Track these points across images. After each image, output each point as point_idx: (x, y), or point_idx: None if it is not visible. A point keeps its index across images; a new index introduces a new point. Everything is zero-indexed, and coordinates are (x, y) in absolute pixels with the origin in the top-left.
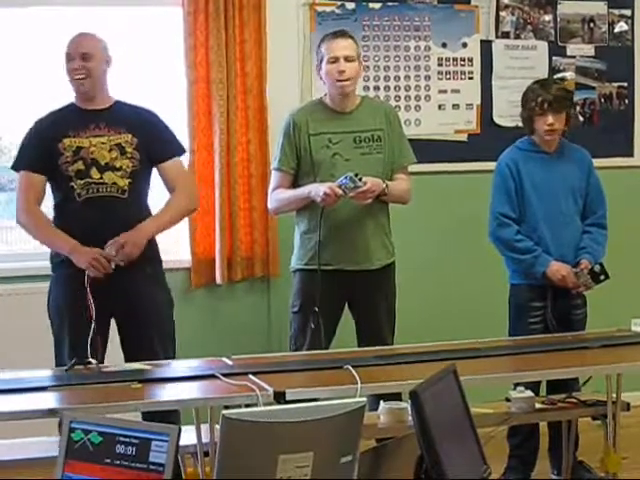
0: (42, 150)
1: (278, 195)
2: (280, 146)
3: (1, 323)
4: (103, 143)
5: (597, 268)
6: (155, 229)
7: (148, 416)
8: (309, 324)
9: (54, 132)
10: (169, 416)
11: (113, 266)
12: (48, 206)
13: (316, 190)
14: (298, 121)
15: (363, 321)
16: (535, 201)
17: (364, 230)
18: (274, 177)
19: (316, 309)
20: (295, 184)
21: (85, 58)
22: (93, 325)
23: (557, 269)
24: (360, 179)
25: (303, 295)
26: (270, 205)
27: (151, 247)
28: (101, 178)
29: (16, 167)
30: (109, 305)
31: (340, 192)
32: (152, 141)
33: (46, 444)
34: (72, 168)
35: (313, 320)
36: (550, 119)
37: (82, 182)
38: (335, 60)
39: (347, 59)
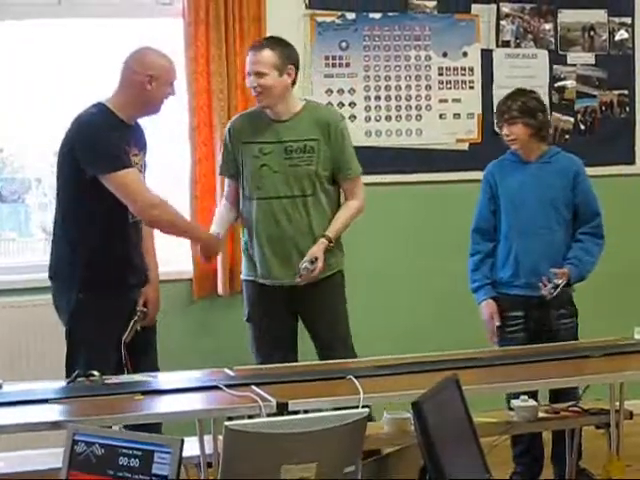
0: (124, 149)
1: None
2: (221, 152)
3: (3, 336)
4: (137, 163)
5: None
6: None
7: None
8: (257, 334)
9: (122, 142)
10: (151, 427)
11: (139, 328)
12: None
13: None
14: (234, 128)
15: (310, 332)
16: (508, 212)
17: (299, 245)
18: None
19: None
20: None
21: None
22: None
23: (484, 309)
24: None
25: (249, 305)
26: None
27: None
28: None
29: (115, 167)
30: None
31: None
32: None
33: (49, 456)
34: None
35: (256, 333)
36: (505, 130)
37: None
38: (248, 74)
39: (257, 74)
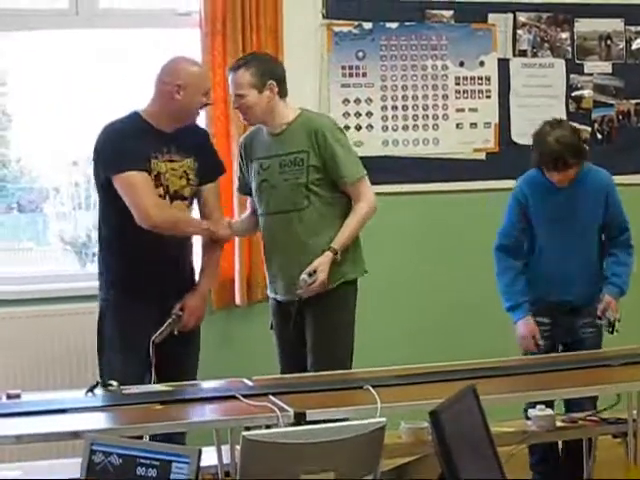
0: (140, 153)
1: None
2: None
3: (21, 345)
4: (174, 169)
5: (612, 320)
6: (210, 286)
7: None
8: (276, 345)
9: (141, 147)
10: (175, 436)
11: (176, 332)
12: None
13: None
14: (242, 146)
15: (309, 348)
16: (541, 235)
17: (300, 260)
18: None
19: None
20: None
21: None
22: (154, 378)
23: (522, 328)
24: (311, 274)
25: (271, 315)
26: None
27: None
28: None
29: (120, 169)
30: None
31: None
32: (206, 164)
33: (67, 466)
34: None
35: (278, 343)
36: (555, 176)
37: None
38: (232, 95)
39: (237, 96)
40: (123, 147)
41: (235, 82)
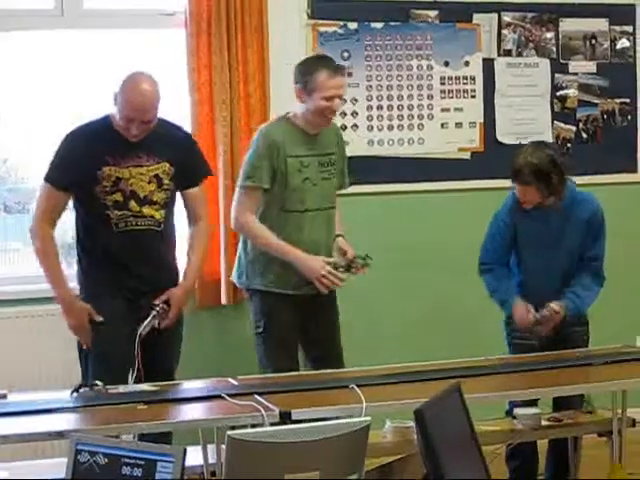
0: (76, 170)
1: (258, 231)
2: (256, 164)
3: (8, 346)
4: (142, 174)
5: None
6: (195, 280)
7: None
8: (274, 346)
9: (92, 157)
10: (160, 437)
11: (157, 324)
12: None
13: (309, 269)
14: (278, 141)
15: (314, 342)
16: (526, 256)
17: (330, 254)
18: (247, 195)
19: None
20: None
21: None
22: (135, 374)
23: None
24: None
25: (266, 316)
26: (242, 229)
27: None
28: (140, 211)
29: (45, 176)
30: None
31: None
32: (186, 168)
33: (53, 466)
34: (110, 198)
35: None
36: (517, 190)
37: (120, 213)
38: (331, 98)
39: (341, 97)
40: (64, 156)
41: (344, 84)
